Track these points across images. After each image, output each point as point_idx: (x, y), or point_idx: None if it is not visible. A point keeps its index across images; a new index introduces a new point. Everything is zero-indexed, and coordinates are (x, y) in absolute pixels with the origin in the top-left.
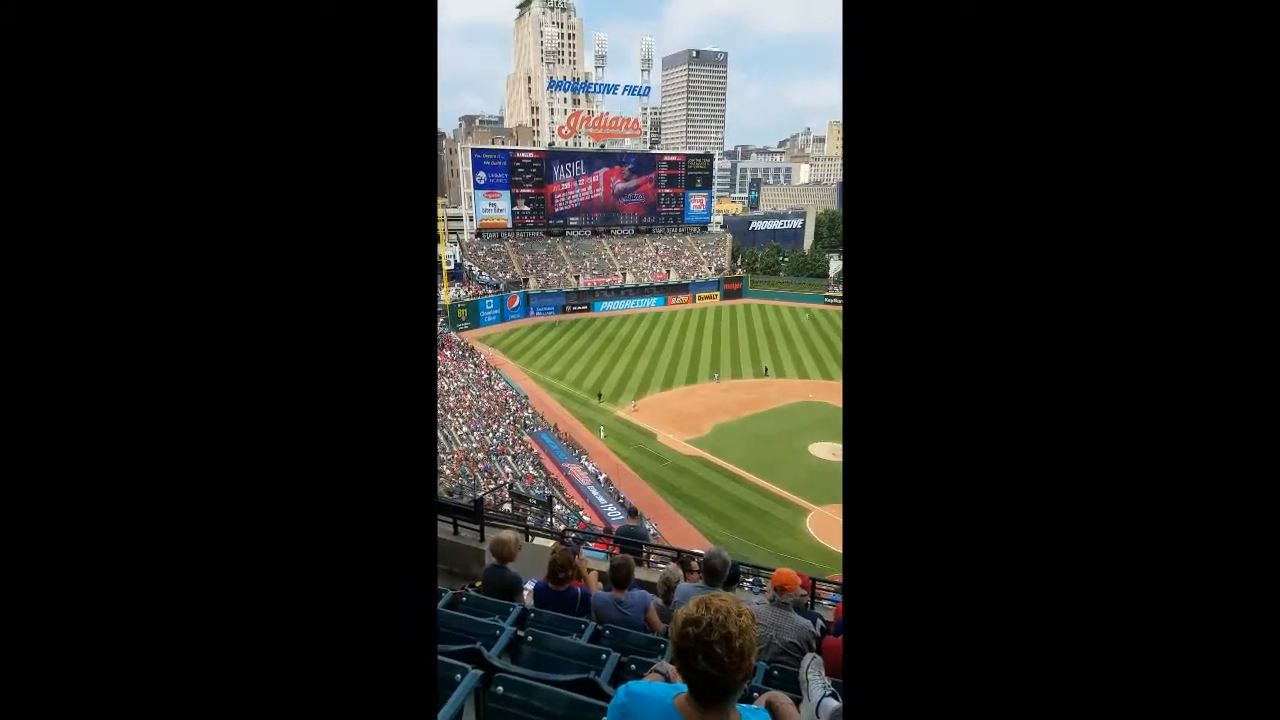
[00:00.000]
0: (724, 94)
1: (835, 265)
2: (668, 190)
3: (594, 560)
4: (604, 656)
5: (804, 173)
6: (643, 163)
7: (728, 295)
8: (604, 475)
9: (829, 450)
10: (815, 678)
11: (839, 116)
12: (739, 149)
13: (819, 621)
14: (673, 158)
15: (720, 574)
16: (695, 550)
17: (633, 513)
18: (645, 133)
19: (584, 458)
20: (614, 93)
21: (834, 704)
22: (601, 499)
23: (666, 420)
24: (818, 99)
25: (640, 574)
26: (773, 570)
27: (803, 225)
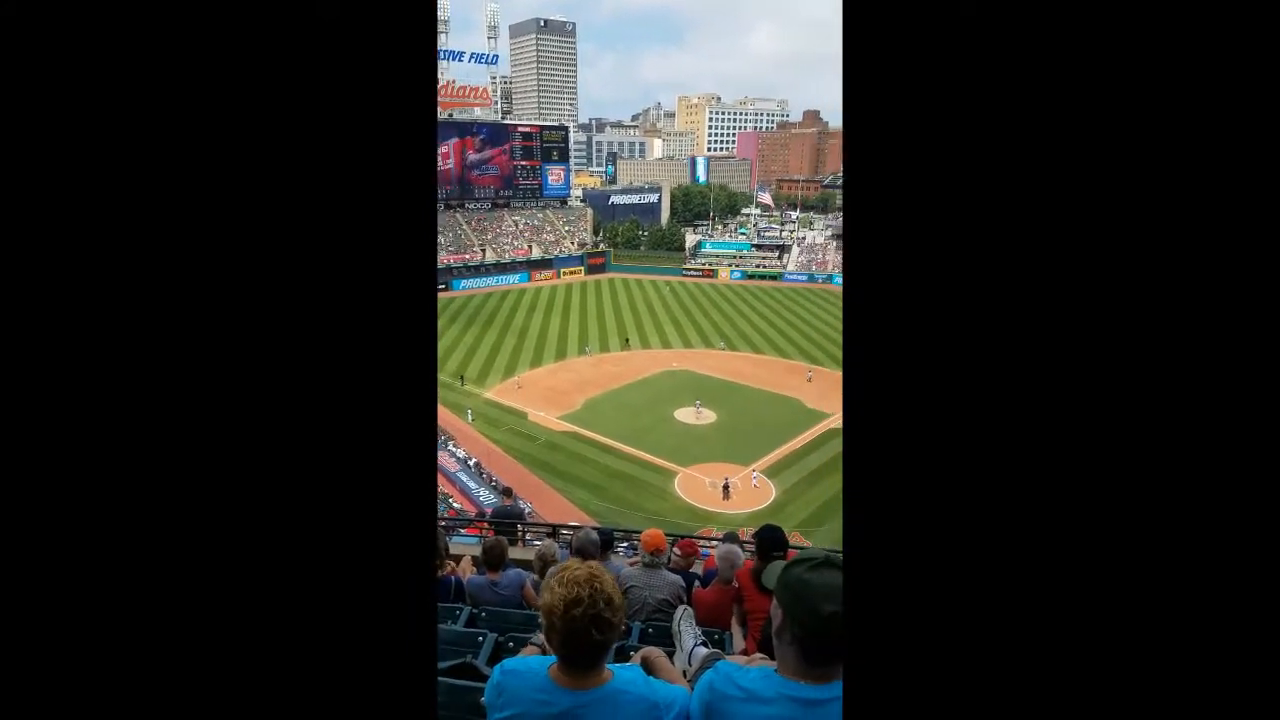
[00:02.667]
0: (574, 65)
1: (691, 238)
2: (523, 162)
3: (467, 546)
4: (480, 639)
5: (658, 147)
6: (495, 133)
7: (592, 270)
8: (474, 460)
9: (692, 414)
10: (687, 628)
11: (688, 91)
12: (593, 122)
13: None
14: (526, 129)
15: (592, 554)
16: (572, 524)
17: (506, 493)
18: (496, 102)
19: (450, 444)
20: (460, 60)
21: (704, 651)
22: (472, 484)
23: (538, 398)
24: (669, 73)
25: (518, 553)
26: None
27: (659, 199)
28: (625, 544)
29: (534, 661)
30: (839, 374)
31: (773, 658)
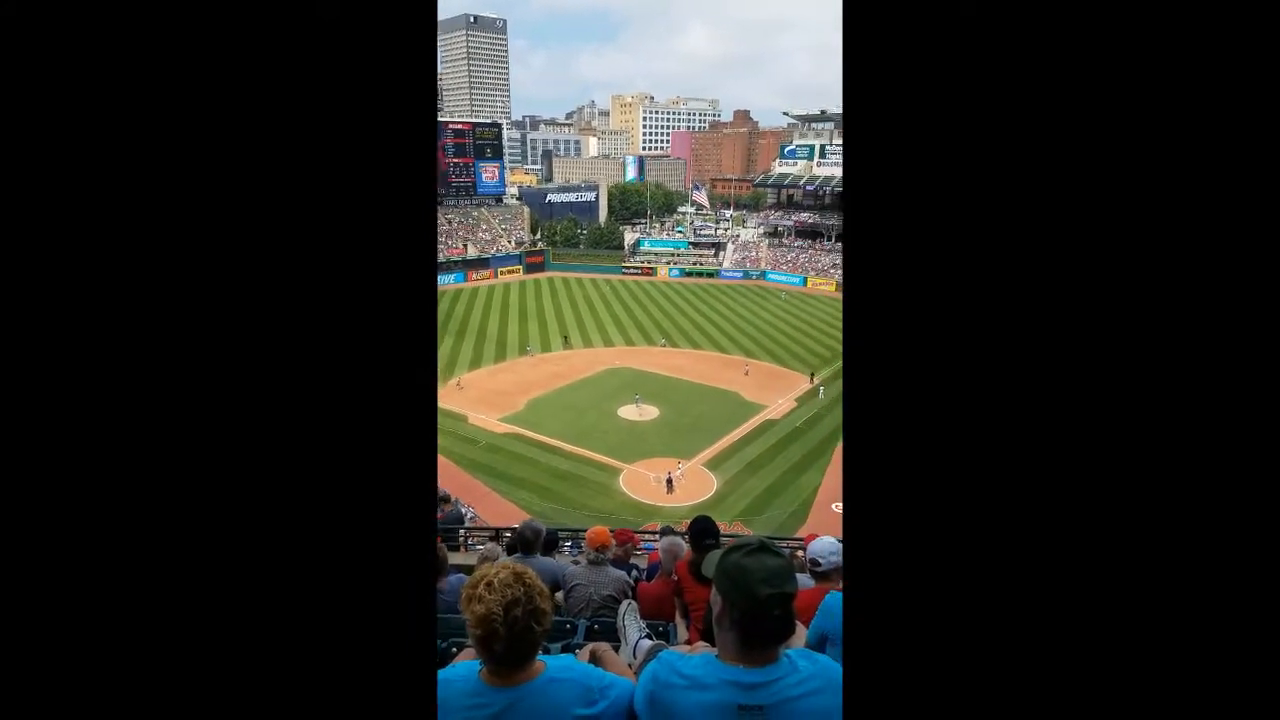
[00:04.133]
0: (506, 63)
1: (630, 236)
2: (456, 160)
3: None
4: None
5: (593, 146)
6: None
7: (530, 269)
8: None
9: (634, 411)
10: (632, 622)
11: (622, 90)
12: (526, 119)
13: (634, 571)
14: (458, 125)
15: (534, 544)
16: (513, 525)
17: (445, 499)
18: None
19: None
20: None
21: (648, 643)
22: None
23: (479, 400)
24: (602, 72)
25: (460, 558)
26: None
27: (596, 197)
28: (570, 543)
29: (461, 667)
30: (775, 367)
31: (715, 645)
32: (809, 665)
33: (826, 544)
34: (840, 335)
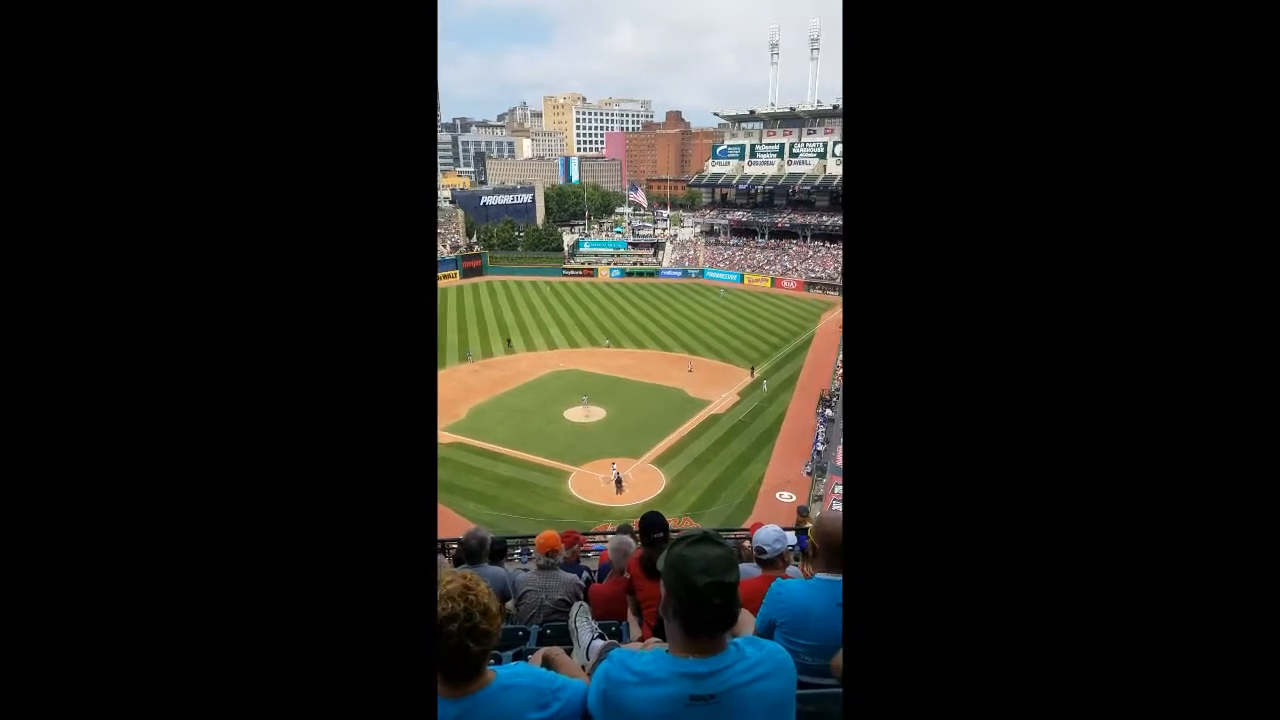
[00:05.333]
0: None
1: (569, 238)
2: None
3: None
4: None
5: (527, 147)
6: None
7: (468, 273)
8: None
9: (581, 413)
10: (584, 624)
11: (554, 91)
12: (458, 121)
13: (584, 573)
14: None
15: (479, 553)
16: (458, 537)
17: None
18: None
19: None
20: None
21: (600, 643)
22: None
23: None
24: (535, 73)
25: None
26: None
27: (533, 199)
28: (520, 550)
29: None
30: (718, 364)
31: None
32: (756, 652)
33: (771, 532)
34: (779, 329)
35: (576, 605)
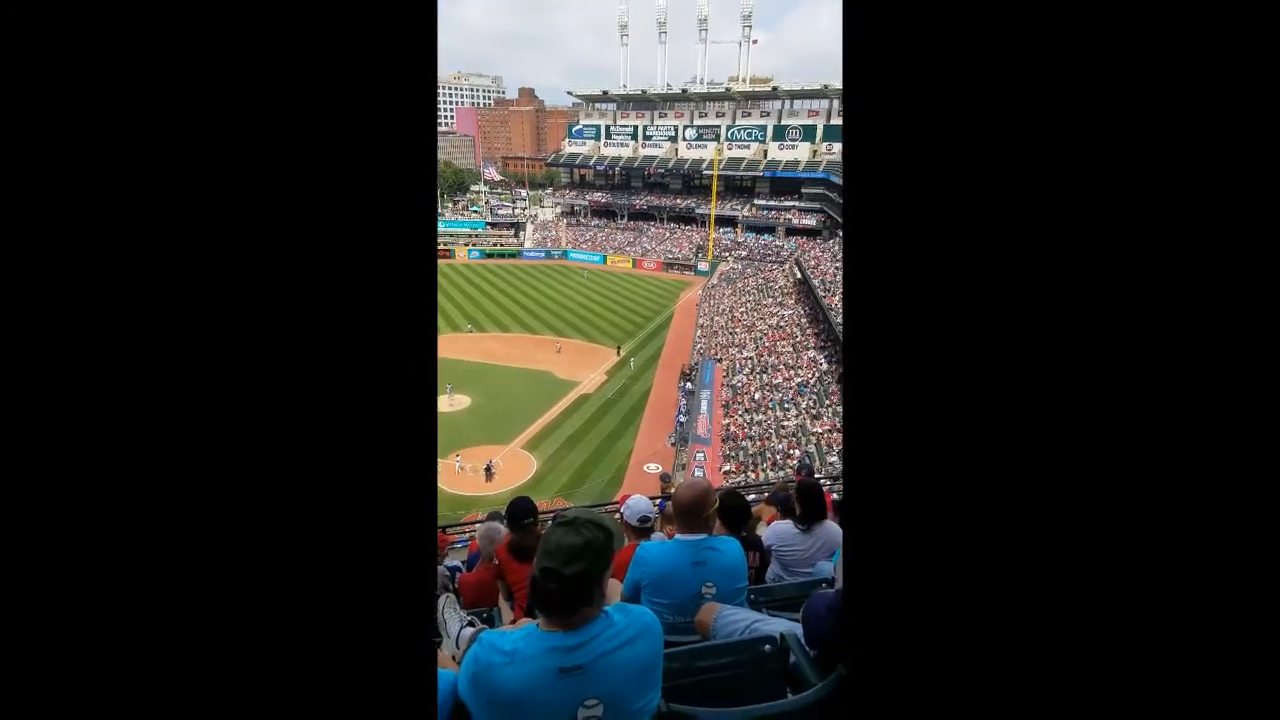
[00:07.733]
0: None
1: None
2: None
3: None
4: None
5: None
6: None
7: None
8: None
9: (446, 402)
10: (451, 615)
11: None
12: None
13: (450, 569)
14: None
15: None
16: None
17: None
18: None
19: None
20: None
21: (469, 631)
22: None
23: None
24: None
25: None
26: None
27: None
28: None
29: None
30: (586, 344)
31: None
32: (623, 618)
33: (637, 502)
34: (642, 308)
35: (443, 597)
